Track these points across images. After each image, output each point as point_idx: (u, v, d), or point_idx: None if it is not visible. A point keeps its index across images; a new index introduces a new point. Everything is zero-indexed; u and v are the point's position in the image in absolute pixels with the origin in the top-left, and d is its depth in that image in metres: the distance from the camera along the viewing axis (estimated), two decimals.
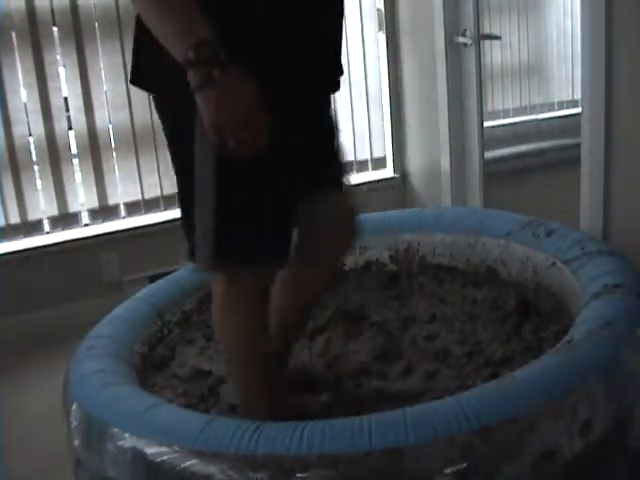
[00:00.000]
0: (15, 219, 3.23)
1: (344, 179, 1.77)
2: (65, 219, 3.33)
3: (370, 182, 3.73)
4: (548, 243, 2.26)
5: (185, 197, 1.55)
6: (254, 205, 1.48)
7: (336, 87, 1.68)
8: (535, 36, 4.06)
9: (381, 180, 3.80)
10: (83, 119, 3.26)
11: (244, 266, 1.53)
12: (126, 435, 1.58)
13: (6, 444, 2.34)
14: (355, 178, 3.59)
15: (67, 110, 3.26)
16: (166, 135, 1.59)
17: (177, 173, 1.61)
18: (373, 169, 3.81)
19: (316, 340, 2.26)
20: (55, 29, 3.17)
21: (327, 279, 1.89)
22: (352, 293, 2.52)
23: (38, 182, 3.26)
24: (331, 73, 1.64)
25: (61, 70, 3.22)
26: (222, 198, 1.43)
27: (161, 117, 1.60)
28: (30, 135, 3.20)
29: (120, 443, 1.58)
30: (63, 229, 3.33)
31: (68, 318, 3.08)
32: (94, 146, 3.30)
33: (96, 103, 3.28)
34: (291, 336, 1.94)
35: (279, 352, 1.83)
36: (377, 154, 3.83)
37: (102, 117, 3.30)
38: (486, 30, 3.61)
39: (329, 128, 1.72)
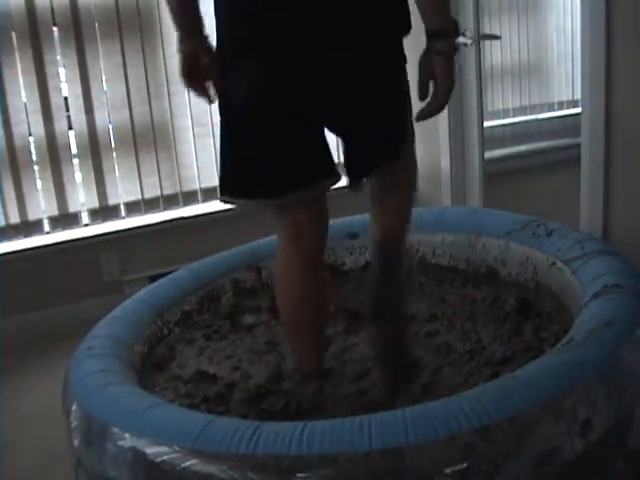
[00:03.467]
0: (15, 219, 3.23)
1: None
2: (65, 219, 3.33)
3: None
4: (548, 243, 2.26)
5: None
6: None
7: None
8: (535, 36, 4.06)
9: None
10: (83, 119, 3.27)
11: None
12: (126, 435, 1.58)
13: (6, 444, 2.34)
14: None
15: (67, 110, 3.26)
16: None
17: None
18: None
19: None
20: (55, 29, 3.17)
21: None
22: (352, 293, 2.52)
23: (38, 182, 3.26)
24: None
25: (61, 70, 3.23)
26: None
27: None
28: (30, 135, 3.21)
29: (120, 443, 1.58)
30: (63, 229, 3.34)
31: (68, 318, 3.09)
32: (94, 146, 3.31)
33: (96, 103, 3.28)
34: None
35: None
36: None
37: (102, 117, 3.31)
38: (486, 30, 3.61)
39: None
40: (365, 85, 1.71)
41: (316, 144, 1.77)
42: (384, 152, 1.82)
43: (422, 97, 1.73)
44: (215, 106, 1.80)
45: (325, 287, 1.94)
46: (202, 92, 1.77)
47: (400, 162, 1.87)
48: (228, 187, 1.79)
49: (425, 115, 1.76)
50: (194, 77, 1.75)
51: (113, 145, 3.36)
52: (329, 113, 1.74)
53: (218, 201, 1.85)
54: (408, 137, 1.89)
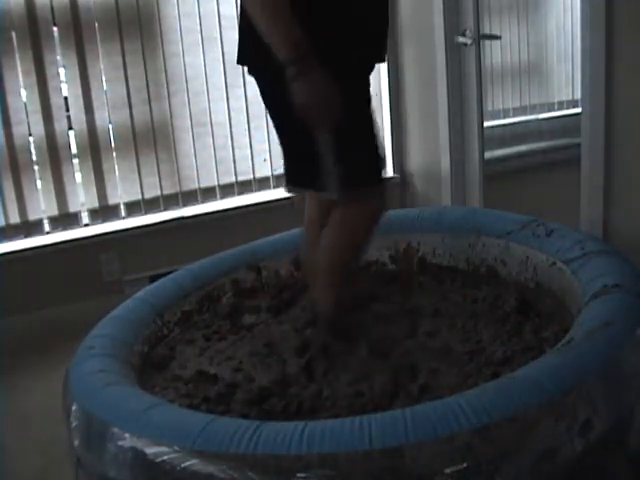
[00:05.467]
0: (15, 219, 3.23)
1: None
2: (65, 219, 3.33)
3: None
4: (548, 243, 2.26)
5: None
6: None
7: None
8: (535, 36, 4.06)
9: None
10: (83, 119, 3.27)
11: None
12: (126, 435, 1.58)
13: (6, 444, 2.34)
14: None
15: (67, 110, 3.26)
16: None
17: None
18: None
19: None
20: (55, 29, 3.17)
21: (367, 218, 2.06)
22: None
23: (38, 182, 3.26)
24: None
25: (61, 70, 3.23)
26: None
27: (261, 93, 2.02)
28: (30, 135, 3.21)
29: (120, 443, 1.58)
30: (63, 229, 3.34)
31: (68, 318, 3.09)
32: (94, 146, 3.31)
33: (96, 103, 3.28)
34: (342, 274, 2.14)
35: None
36: None
37: (102, 117, 3.31)
38: (486, 30, 3.61)
39: None
40: None
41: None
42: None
43: None
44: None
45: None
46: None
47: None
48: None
49: None
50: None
51: (113, 145, 3.36)
52: None
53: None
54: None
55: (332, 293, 2.08)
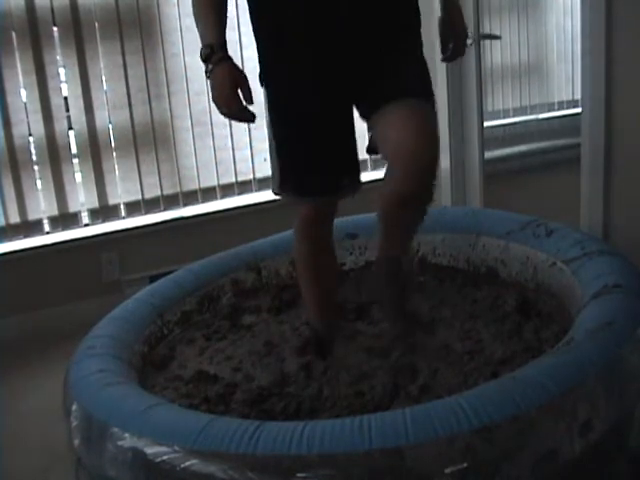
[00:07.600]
0: (15, 219, 3.23)
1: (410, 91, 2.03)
2: (65, 219, 3.33)
3: (370, 182, 3.72)
4: (548, 243, 2.26)
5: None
6: (300, 149, 1.97)
7: None
8: (535, 36, 4.07)
9: (381, 180, 3.80)
10: (83, 119, 3.27)
11: (299, 196, 2.00)
12: (126, 435, 1.58)
13: (6, 443, 2.34)
14: None
15: (67, 110, 3.26)
16: None
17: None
18: (373, 169, 3.81)
19: None
20: (55, 29, 3.17)
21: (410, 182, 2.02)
22: (352, 292, 2.52)
23: (38, 182, 3.26)
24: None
25: (61, 70, 3.23)
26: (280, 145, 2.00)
27: None
28: (30, 135, 3.21)
29: (120, 443, 1.58)
30: (63, 229, 3.33)
31: (68, 318, 3.09)
32: (94, 146, 3.31)
33: (96, 103, 3.28)
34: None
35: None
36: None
37: (102, 117, 3.30)
38: (486, 30, 3.62)
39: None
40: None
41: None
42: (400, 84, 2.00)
43: (445, 49, 2.17)
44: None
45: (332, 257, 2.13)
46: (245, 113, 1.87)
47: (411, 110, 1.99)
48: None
49: (450, 58, 2.17)
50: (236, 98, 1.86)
51: (113, 145, 3.36)
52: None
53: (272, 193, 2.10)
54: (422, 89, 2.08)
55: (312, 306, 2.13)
